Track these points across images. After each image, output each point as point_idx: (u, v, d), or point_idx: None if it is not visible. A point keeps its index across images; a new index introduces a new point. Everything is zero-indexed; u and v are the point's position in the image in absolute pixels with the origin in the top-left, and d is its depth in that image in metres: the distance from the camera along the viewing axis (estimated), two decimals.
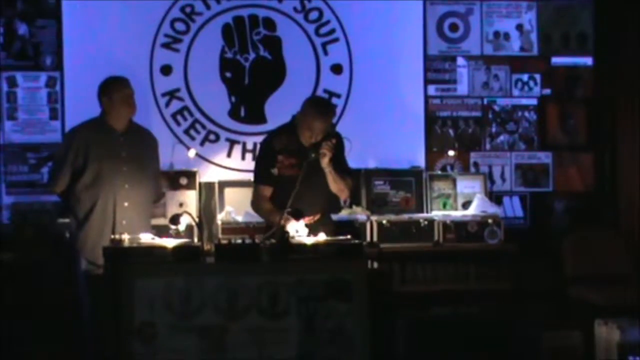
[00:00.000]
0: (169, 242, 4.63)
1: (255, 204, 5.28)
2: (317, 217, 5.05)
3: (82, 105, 6.12)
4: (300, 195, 4.89)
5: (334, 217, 5.90)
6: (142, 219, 5.33)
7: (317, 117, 5.10)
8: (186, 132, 6.49)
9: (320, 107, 5.24)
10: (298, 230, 4.77)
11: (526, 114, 6.83)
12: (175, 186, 6.19)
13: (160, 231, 5.25)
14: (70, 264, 5.29)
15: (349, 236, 4.80)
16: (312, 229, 4.82)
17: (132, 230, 4.98)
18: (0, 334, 5.58)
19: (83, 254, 5.20)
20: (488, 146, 6.81)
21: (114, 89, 5.33)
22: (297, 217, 4.86)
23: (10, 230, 6.12)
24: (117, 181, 5.27)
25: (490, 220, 6.22)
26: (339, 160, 5.21)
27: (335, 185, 5.18)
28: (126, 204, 5.27)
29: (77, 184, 5.29)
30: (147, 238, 4.77)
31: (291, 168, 5.13)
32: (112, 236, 4.69)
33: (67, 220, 5.57)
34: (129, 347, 4.20)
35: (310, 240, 4.67)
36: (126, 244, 4.58)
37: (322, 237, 4.74)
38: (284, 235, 4.62)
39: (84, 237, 5.24)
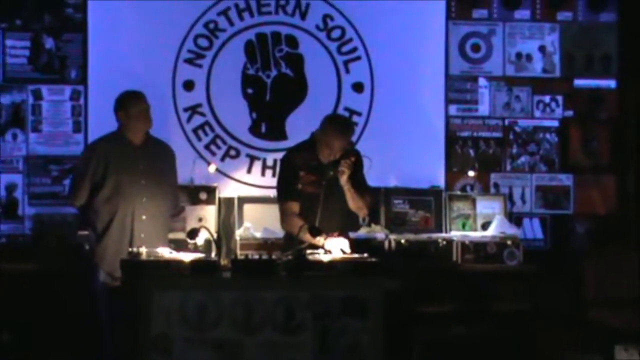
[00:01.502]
0: (186, 256, 4.66)
1: (286, 221, 5.24)
2: (335, 235, 5.05)
3: (105, 119, 6.15)
4: (322, 214, 4.94)
5: (353, 235, 5.92)
6: (159, 232, 5.37)
7: (336, 134, 5.13)
8: (207, 147, 6.53)
9: (340, 124, 5.27)
10: (342, 249, 4.81)
11: (547, 135, 6.81)
12: (195, 201, 6.23)
13: (179, 245, 5.32)
14: (89, 276, 5.32)
15: (365, 254, 4.80)
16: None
17: (150, 243, 5.01)
18: (20, 343, 5.64)
19: (101, 266, 5.23)
20: (508, 167, 6.79)
21: (130, 103, 5.39)
22: (315, 235, 4.89)
23: (31, 240, 6.17)
24: (135, 194, 5.32)
25: (509, 242, 6.19)
26: (357, 178, 5.23)
27: (354, 203, 5.20)
28: (144, 217, 5.31)
29: (96, 197, 5.33)
30: (164, 252, 4.80)
31: (311, 185, 5.16)
32: (130, 249, 4.72)
33: (86, 232, 5.62)
34: (145, 359, 4.21)
35: (327, 257, 4.68)
36: (144, 257, 4.61)
37: (339, 254, 4.76)
38: (300, 251, 4.64)
39: (103, 249, 5.27)
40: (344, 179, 5.08)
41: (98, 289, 5.22)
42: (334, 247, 4.83)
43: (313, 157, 5.22)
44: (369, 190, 5.38)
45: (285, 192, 5.26)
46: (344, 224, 5.30)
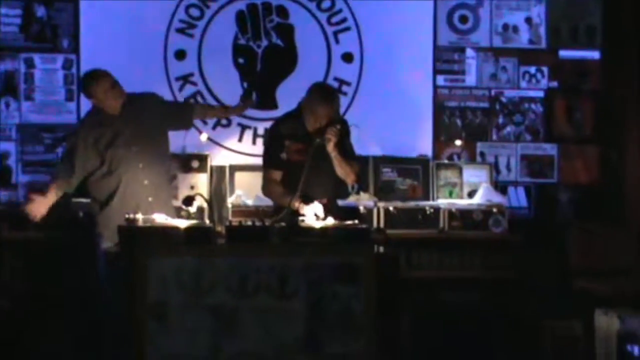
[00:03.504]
0: (182, 223, 4.74)
1: (267, 188, 5.40)
2: (324, 202, 5.15)
3: None
4: (307, 180, 5.00)
5: (342, 202, 6.03)
6: (166, 194, 5.48)
7: (321, 102, 5.22)
8: None
9: (324, 92, 5.36)
10: (317, 214, 4.89)
11: (533, 106, 6.91)
12: (187, 169, 6.31)
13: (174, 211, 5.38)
14: (89, 244, 5.40)
15: (356, 221, 4.91)
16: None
17: (159, 206, 5.17)
18: (21, 312, 5.70)
19: (106, 235, 5.29)
20: (495, 137, 6.90)
21: (93, 85, 5.39)
22: (307, 202, 4.98)
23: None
24: (131, 163, 5.38)
25: (495, 210, 6.32)
26: (344, 146, 5.32)
27: (341, 170, 5.29)
28: (146, 182, 5.39)
29: (93, 175, 5.41)
30: (160, 218, 4.88)
31: (298, 154, 5.24)
32: (127, 215, 4.80)
33: (82, 200, 5.70)
34: (142, 325, 4.30)
35: (319, 224, 4.77)
36: (140, 223, 4.69)
37: (330, 221, 4.86)
38: (293, 218, 4.74)
39: (107, 218, 5.33)
40: (330, 147, 5.17)
41: (100, 257, 5.29)
42: (308, 212, 4.90)
43: (299, 126, 5.30)
44: (355, 157, 5.48)
45: (269, 161, 5.37)
46: (332, 191, 5.40)
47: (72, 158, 5.39)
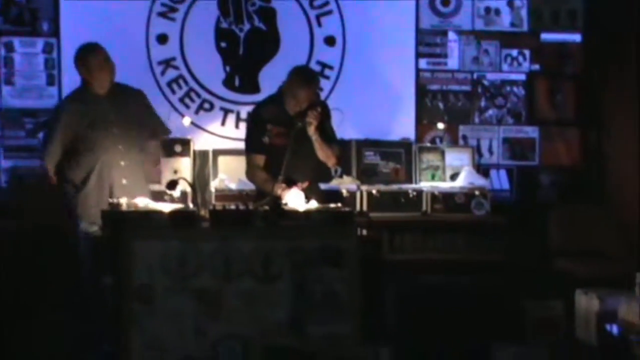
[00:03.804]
0: (166, 207, 4.75)
1: (250, 173, 5.42)
2: (305, 184, 5.17)
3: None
4: (289, 163, 5.02)
5: (324, 186, 6.05)
6: (140, 179, 5.51)
7: (301, 85, 5.25)
8: (181, 100, 6.59)
9: (304, 75, 5.40)
10: (297, 199, 4.90)
11: (515, 89, 6.95)
12: (170, 153, 6.30)
13: (155, 196, 5.38)
14: (68, 229, 5.40)
15: (339, 204, 4.93)
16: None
17: (133, 189, 5.18)
18: (3, 298, 5.69)
19: (83, 217, 5.31)
20: (477, 120, 6.93)
21: (88, 56, 5.43)
22: (290, 185, 5.00)
23: (7, 194, 6.21)
24: (110, 144, 5.41)
25: (477, 192, 6.36)
26: (325, 129, 5.35)
27: (322, 152, 5.32)
28: (122, 163, 5.42)
29: (72, 153, 5.41)
30: (144, 202, 4.89)
31: (280, 137, 5.26)
32: (110, 200, 4.81)
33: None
34: (128, 308, 4.31)
35: (302, 208, 4.80)
36: (124, 208, 4.70)
37: (313, 204, 4.88)
38: (277, 202, 4.75)
39: (83, 199, 5.36)
40: (311, 129, 5.20)
41: (79, 240, 5.30)
42: (290, 200, 4.92)
43: (281, 110, 5.32)
44: (337, 140, 5.51)
45: (252, 145, 5.39)
46: (313, 174, 5.42)
47: (55, 131, 5.39)
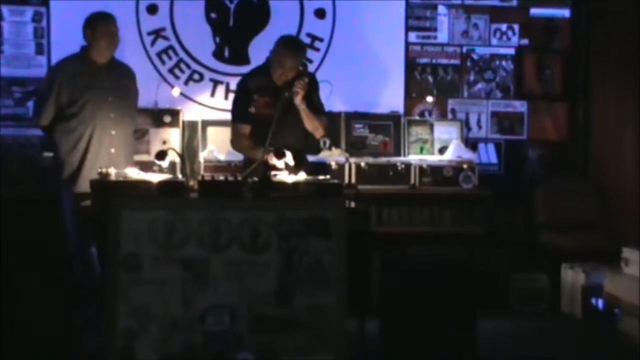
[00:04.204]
0: (154, 177, 4.76)
1: (235, 142, 5.45)
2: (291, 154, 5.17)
3: (67, 41, 6.17)
4: (276, 134, 5.04)
5: (313, 158, 6.07)
6: (127, 149, 5.52)
7: (287, 53, 5.26)
8: (171, 71, 6.58)
9: (290, 43, 5.40)
10: (287, 164, 4.94)
11: (504, 63, 6.97)
12: (159, 124, 6.31)
13: (143, 167, 5.37)
14: (56, 196, 5.41)
15: (328, 176, 4.96)
16: (289, 168, 4.96)
17: (119, 159, 5.21)
18: None
19: (72, 184, 5.32)
20: (466, 94, 6.95)
21: (98, 23, 5.45)
22: (280, 156, 5.02)
23: None
24: (103, 111, 5.43)
25: (465, 166, 6.38)
26: (312, 100, 5.37)
27: (310, 123, 5.34)
28: (113, 132, 5.44)
29: (63, 116, 5.41)
30: (133, 173, 4.90)
31: (267, 107, 5.28)
32: (99, 170, 4.81)
33: (51, 153, 5.70)
34: (114, 277, 4.34)
35: (291, 179, 4.81)
36: (113, 178, 4.71)
37: (302, 176, 4.91)
38: (265, 173, 4.77)
39: (72, 166, 5.36)
40: (298, 99, 5.21)
41: (67, 208, 5.31)
42: (280, 164, 4.95)
43: (268, 80, 5.34)
44: (324, 112, 5.52)
45: (237, 115, 5.42)
46: (300, 145, 5.42)
47: (50, 91, 5.40)
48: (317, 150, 6.34)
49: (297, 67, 5.29)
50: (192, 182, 4.84)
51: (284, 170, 4.90)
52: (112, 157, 5.37)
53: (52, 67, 5.60)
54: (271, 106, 5.23)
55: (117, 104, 5.47)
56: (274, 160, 4.99)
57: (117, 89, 5.50)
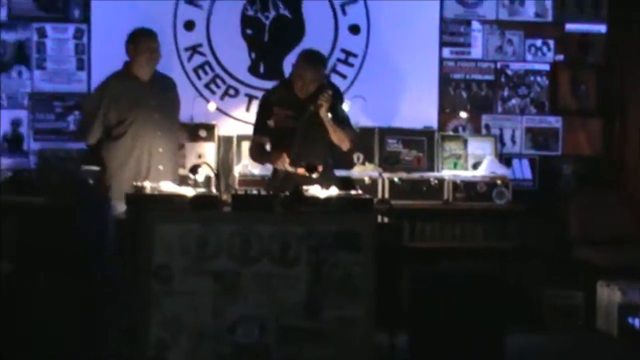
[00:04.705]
0: (188, 191, 4.85)
1: (252, 151, 5.62)
2: (318, 169, 5.19)
3: (107, 57, 6.36)
4: (300, 148, 5.16)
5: (346, 173, 6.13)
6: (174, 165, 5.61)
7: (307, 66, 5.35)
8: (207, 86, 6.68)
9: (310, 56, 5.48)
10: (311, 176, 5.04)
11: (538, 78, 6.96)
12: (195, 138, 6.39)
13: (179, 181, 5.49)
14: (98, 210, 5.51)
15: (360, 191, 5.01)
16: (315, 182, 5.01)
17: (167, 175, 5.31)
18: (22, 274, 5.82)
19: (118, 199, 5.39)
20: (500, 109, 6.95)
21: (141, 39, 5.57)
22: (312, 171, 5.09)
23: (35, 175, 6.36)
24: (150, 129, 5.53)
25: (498, 181, 6.38)
26: (337, 112, 5.42)
27: (335, 135, 5.37)
28: (160, 149, 5.53)
29: (111, 134, 5.52)
30: (167, 186, 4.99)
31: (287, 120, 5.36)
32: (135, 183, 4.91)
33: (93, 167, 5.83)
34: (147, 287, 4.42)
35: (323, 194, 4.87)
36: (148, 191, 4.81)
37: (334, 190, 4.96)
38: (297, 187, 4.84)
39: (119, 183, 5.43)
40: (323, 112, 5.25)
41: (109, 222, 5.39)
42: (310, 174, 5.07)
43: (290, 94, 5.41)
44: (349, 124, 5.55)
45: (256, 127, 5.55)
46: (325, 159, 5.45)
47: (97, 109, 5.50)
48: (351, 165, 6.40)
49: (318, 80, 5.37)
50: (225, 197, 4.93)
51: (313, 185, 4.96)
52: (160, 173, 5.45)
53: (98, 87, 5.68)
54: (291, 119, 5.32)
55: (163, 121, 5.58)
56: (289, 167, 5.11)
57: (162, 106, 5.61)
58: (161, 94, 5.63)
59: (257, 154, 5.56)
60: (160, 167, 5.51)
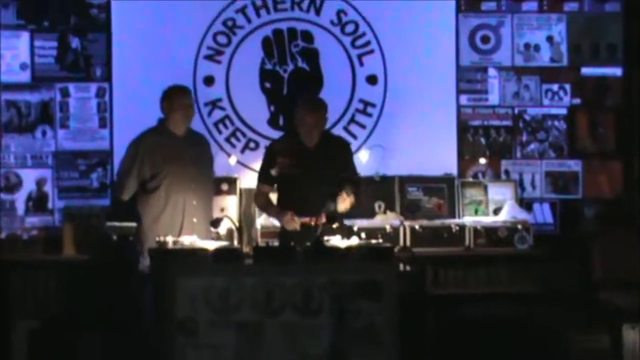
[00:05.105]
0: (210, 244, 4.91)
1: (256, 198, 5.76)
2: (321, 218, 5.22)
3: (129, 114, 6.53)
4: (305, 198, 5.28)
5: (368, 222, 6.16)
6: (207, 217, 5.64)
7: (307, 113, 5.45)
8: (227, 140, 6.78)
9: (308, 101, 5.64)
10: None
11: (556, 122, 6.98)
12: (217, 192, 6.41)
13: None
14: (123, 265, 5.57)
15: (380, 240, 5.05)
16: (324, 232, 5.07)
17: (201, 228, 5.35)
18: (51, 331, 5.87)
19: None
20: (519, 154, 6.98)
21: (175, 96, 5.65)
22: (332, 221, 5.14)
23: (61, 232, 6.43)
24: (185, 182, 5.57)
25: (520, 226, 6.38)
26: (347, 168, 5.53)
27: (343, 206, 5.31)
28: (195, 202, 5.56)
29: (146, 189, 5.58)
30: (190, 240, 5.05)
31: (291, 167, 5.45)
32: (157, 238, 4.97)
33: (115, 223, 5.91)
34: (171, 340, 4.46)
35: (343, 244, 4.91)
36: (170, 245, 4.87)
37: (354, 240, 5.00)
38: (318, 238, 4.89)
39: (154, 237, 5.35)
40: (342, 207, 5.24)
41: (138, 277, 5.43)
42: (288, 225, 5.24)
43: (294, 142, 5.52)
44: (357, 180, 5.59)
45: (259, 175, 5.68)
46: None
47: (133, 164, 5.58)
48: (372, 214, 6.43)
49: (321, 125, 5.49)
50: (247, 249, 4.98)
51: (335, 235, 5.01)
52: (194, 226, 5.47)
53: (133, 141, 5.71)
54: (294, 166, 5.42)
55: (196, 175, 5.63)
56: (290, 223, 5.25)
57: (196, 160, 5.66)
58: (195, 148, 5.70)
59: (262, 204, 5.68)
60: (194, 220, 5.54)
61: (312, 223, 5.21)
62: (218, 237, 5.57)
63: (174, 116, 5.62)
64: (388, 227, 6.29)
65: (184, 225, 5.50)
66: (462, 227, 6.38)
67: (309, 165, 5.40)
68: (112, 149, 6.66)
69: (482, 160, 6.93)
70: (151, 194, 5.57)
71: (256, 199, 5.75)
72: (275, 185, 5.61)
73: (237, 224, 5.77)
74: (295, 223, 5.28)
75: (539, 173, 6.98)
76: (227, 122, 6.79)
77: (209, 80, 6.78)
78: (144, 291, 5.10)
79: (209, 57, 6.78)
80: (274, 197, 5.67)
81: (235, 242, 5.75)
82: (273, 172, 5.52)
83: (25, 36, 6.69)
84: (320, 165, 5.39)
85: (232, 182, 6.51)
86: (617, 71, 7.00)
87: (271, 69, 6.81)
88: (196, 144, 5.75)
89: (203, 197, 5.65)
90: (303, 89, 6.77)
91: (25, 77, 6.70)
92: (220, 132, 6.77)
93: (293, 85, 6.80)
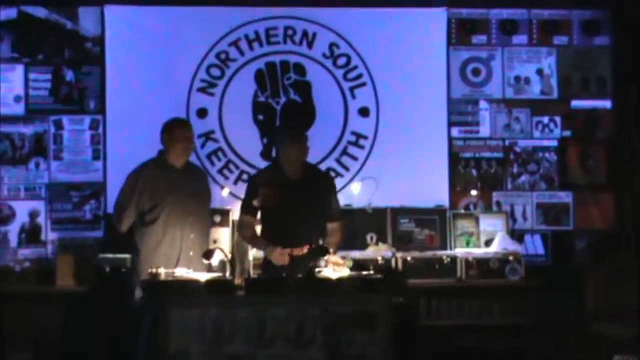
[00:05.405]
0: (203, 276, 4.92)
1: (239, 230, 5.74)
2: (305, 249, 5.27)
3: (123, 147, 6.55)
4: (287, 229, 5.34)
5: (360, 254, 6.18)
6: (204, 250, 5.64)
7: (290, 144, 5.52)
8: (220, 172, 6.81)
9: (291, 135, 5.65)
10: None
11: (547, 155, 7.04)
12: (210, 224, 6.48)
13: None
14: (117, 297, 5.57)
15: (372, 272, 5.06)
16: (307, 262, 5.12)
17: (197, 260, 5.34)
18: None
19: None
20: (510, 186, 7.03)
21: (176, 130, 5.70)
22: (323, 254, 5.16)
23: (54, 264, 6.43)
24: (183, 215, 5.60)
25: (511, 258, 6.41)
26: (330, 203, 5.58)
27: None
28: (192, 235, 5.59)
29: (144, 220, 5.61)
30: (182, 272, 5.06)
31: (273, 198, 5.49)
32: (150, 270, 4.98)
33: (108, 255, 5.91)
34: None
35: (335, 275, 4.93)
36: (162, 277, 4.88)
37: (346, 272, 5.02)
38: (310, 270, 4.90)
39: (152, 268, 5.42)
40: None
41: (133, 308, 5.42)
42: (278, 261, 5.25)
43: (277, 173, 5.56)
44: (340, 215, 5.65)
45: (242, 207, 5.69)
46: (315, 235, 5.43)
47: (132, 194, 5.60)
48: (364, 246, 6.45)
49: (303, 157, 5.52)
50: (239, 280, 4.99)
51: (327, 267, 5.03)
52: (191, 259, 5.48)
53: (132, 173, 5.75)
54: (276, 197, 5.45)
55: (195, 208, 5.65)
56: (276, 256, 5.30)
57: (195, 193, 5.70)
58: (194, 181, 5.74)
59: (248, 235, 5.65)
60: (191, 253, 5.54)
61: (298, 254, 5.23)
62: (210, 269, 5.57)
63: (174, 149, 5.65)
64: (380, 259, 6.30)
65: (180, 257, 5.53)
66: (454, 259, 6.40)
67: (291, 196, 5.44)
68: (105, 181, 6.68)
69: (474, 192, 6.96)
70: (149, 226, 5.60)
71: (240, 230, 5.74)
72: (259, 217, 5.64)
73: (229, 256, 5.77)
74: (285, 258, 5.29)
75: (531, 205, 7.02)
76: (220, 154, 6.82)
77: (202, 113, 6.82)
78: (138, 323, 5.09)
79: (202, 90, 6.83)
80: (259, 228, 5.69)
81: (228, 274, 5.75)
82: (255, 203, 5.55)
83: (20, 69, 6.74)
84: (303, 197, 5.43)
85: (225, 214, 6.54)
86: (607, 104, 7.07)
87: (264, 101, 6.86)
88: (195, 177, 5.78)
89: (200, 230, 5.67)
90: (295, 122, 6.82)
91: (19, 109, 6.74)
92: (213, 164, 6.80)
93: (286, 118, 6.85)
